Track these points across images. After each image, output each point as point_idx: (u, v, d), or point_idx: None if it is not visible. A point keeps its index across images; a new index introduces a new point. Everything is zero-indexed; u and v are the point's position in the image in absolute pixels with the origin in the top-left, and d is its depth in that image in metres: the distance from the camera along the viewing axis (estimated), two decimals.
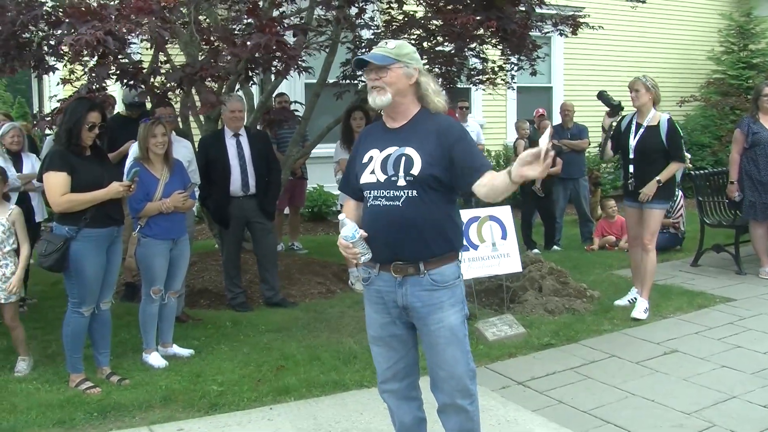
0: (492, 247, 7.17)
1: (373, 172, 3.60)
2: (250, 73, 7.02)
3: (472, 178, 3.52)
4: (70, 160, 5.25)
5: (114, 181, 5.40)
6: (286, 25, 6.59)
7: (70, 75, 7.01)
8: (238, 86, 8.30)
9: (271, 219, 7.87)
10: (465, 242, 7.06)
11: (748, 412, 4.95)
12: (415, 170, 3.50)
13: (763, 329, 6.70)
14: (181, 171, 6.23)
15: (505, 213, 7.38)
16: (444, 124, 3.64)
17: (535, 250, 10.17)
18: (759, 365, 5.82)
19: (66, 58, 7.25)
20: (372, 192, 3.60)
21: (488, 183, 3.46)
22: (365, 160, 3.66)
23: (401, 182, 3.52)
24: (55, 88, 11.22)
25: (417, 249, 3.56)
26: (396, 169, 3.54)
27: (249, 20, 6.46)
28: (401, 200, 3.51)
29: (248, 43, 5.92)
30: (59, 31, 6.38)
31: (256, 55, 6.15)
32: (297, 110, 8.65)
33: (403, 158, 3.54)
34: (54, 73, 7.51)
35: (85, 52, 5.50)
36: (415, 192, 3.52)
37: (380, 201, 3.56)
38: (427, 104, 3.66)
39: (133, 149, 6.36)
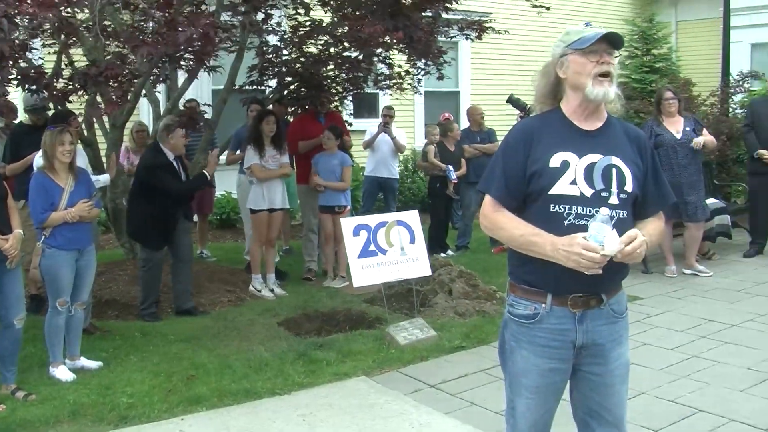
0: (401, 252, 7.22)
1: (574, 182, 2.95)
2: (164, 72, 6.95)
3: (651, 209, 3.15)
4: None
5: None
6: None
7: None
8: (144, 91, 8.18)
9: (189, 219, 7.89)
10: (374, 247, 7.11)
11: (658, 407, 5.12)
12: (629, 186, 3.00)
13: (669, 326, 6.92)
14: (86, 179, 6.10)
15: (413, 217, 7.44)
16: (639, 133, 3.19)
17: (449, 252, 10.30)
18: (666, 361, 6.01)
19: None
20: (573, 208, 2.94)
21: (655, 229, 3.13)
22: (556, 164, 2.98)
23: (614, 200, 2.96)
24: None
25: (614, 279, 3.06)
26: (607, 183, 2.97)
27: (156, 18, 6.34)
28: (612, 222, 2.88)
29: (165, 35, 5.81)
30: None
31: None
32: (206, 112, 8.56)
33: (614, 170, 2.99)
34: None
35: None
36: (625, 213, 2.99)
37: (586, 220, 2.89)
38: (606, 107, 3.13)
39: (38, 159, 6.20)
